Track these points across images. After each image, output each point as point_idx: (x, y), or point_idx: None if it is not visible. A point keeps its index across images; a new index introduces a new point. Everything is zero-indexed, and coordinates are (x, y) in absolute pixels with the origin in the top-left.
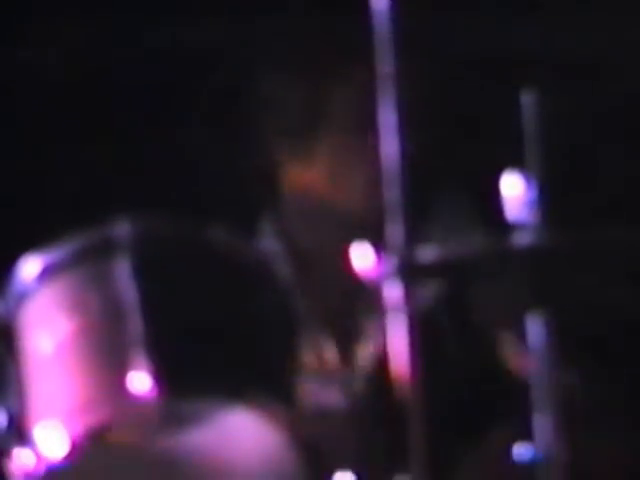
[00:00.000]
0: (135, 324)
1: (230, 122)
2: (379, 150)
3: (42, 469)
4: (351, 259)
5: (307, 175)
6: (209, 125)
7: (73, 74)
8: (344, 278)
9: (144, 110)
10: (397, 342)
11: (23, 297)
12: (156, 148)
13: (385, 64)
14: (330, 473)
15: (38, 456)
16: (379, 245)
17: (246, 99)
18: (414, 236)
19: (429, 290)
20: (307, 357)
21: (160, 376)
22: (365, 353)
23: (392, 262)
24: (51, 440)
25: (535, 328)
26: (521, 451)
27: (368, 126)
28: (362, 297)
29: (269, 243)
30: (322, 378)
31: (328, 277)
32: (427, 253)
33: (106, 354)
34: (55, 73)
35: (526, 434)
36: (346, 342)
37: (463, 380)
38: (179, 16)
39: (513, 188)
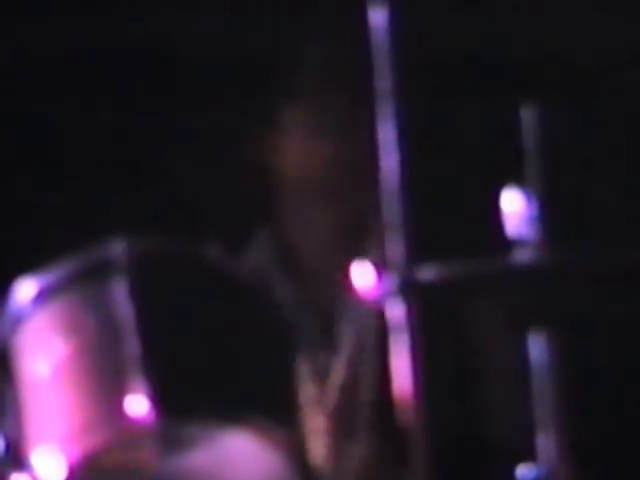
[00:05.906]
0: (132, 346)
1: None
2: None
3: None
4: (352, 277)
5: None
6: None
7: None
8: (340, 288)
9: (136, 123)
10: (399, 360)
11: (19, 320)
12: (151, 167)
13: (383, 80)
14: None
15: None
16: (380, 263)
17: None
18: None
19: None
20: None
21: (158, 399)
22: (367, 364)
23: (393, 280)
24: (49, 465)
25: (537, 346)
26: (525, 471)
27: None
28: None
29: (263, 256)
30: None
31: (324, 287)
32: (428, 271)
33: (103, 377)
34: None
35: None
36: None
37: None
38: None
39: (513, 204)
